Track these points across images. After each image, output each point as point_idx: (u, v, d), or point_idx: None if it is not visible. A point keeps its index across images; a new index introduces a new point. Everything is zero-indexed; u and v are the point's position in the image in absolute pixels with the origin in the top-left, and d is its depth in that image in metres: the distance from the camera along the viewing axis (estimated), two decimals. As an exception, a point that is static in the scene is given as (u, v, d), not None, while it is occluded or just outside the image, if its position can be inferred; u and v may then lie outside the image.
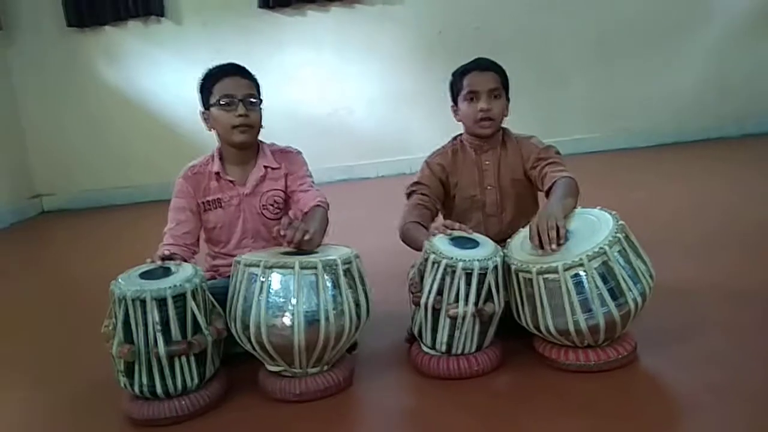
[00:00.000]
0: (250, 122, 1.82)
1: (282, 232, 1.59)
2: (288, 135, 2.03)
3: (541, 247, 1.57)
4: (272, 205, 1.91)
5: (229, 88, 1.82)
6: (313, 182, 1.93)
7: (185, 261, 1.73)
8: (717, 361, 1.58)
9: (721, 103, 4.91)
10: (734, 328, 1.76)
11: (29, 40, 4.92)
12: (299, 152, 1.97)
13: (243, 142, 1.85)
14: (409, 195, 1.95)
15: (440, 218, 1.96)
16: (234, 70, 1.85)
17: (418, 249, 1.75)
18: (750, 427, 1.31)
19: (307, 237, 1.59)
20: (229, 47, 4.64)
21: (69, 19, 4.83)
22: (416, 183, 1.95)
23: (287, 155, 1.95)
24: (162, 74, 4.93)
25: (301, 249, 1.61)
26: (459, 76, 1.94)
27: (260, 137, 1.93)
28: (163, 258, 1.65)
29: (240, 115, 1.80)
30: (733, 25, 4.85)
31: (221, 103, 1.82)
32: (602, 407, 1.43)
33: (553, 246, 1.55)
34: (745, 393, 1.43)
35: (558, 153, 1.90)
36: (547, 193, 1.80)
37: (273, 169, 1.91)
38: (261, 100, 1.88)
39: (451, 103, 1.99)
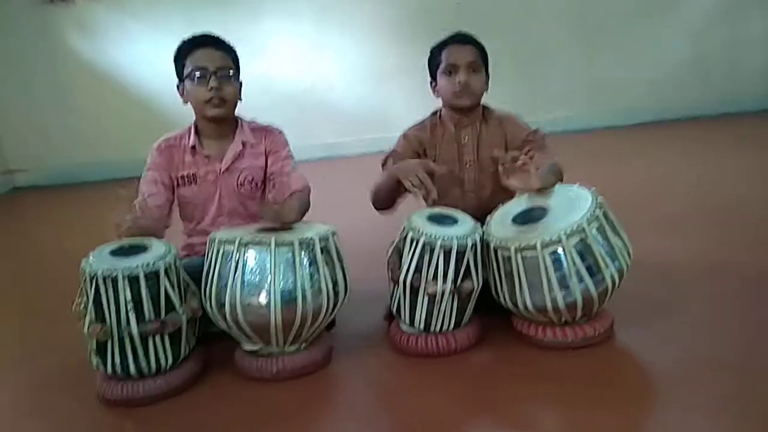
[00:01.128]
0: (223, 95, 1.76)
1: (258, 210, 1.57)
2: (264, 110, 1.98)
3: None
4: (249, 183, 1.87)
5: (202, 60, 1.76)
6: (295, 164, 1.89)
7: (155, 234, 1.65)
8: (694, 335, 1.59)
9: (702, 82, 4.93)
10: (710, 302, 1.78)
11: (1, 13, 4.75)
12: (281, 131, 1.92)
13: (216, 116, 1.79)
14: (383, 164, 1.93)
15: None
16: (207, 41, 1.79)
17: (387, 195, 1.78)
18: (729, 399, 1.33)
19: (289, 203, 1.56)
20: (204, 19, 4.51)
21: (40, -9, 4.67)
22: (392, 153, 1.93)
23: (268, 133, 1.90)
24: (135, 47, 4.80)
25: (283, 222, 1.58)
26: (437, 50, 1.91)
27: (238, 112, 1.88)
28: (130, 232, 1.58)
29: (211, 88, 1.75)
30: (714, 3, 4.86)
31: (193, 75, 1.76)
32: (580, 384, 1.44)
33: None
34: (723, 367, 1.44)
35: (544, 137, 1.90)
36: None
37: (252, 145, 1.87)
38: (238, 72, 1.83)
39: (429, 79, 1.95)
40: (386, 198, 1.82)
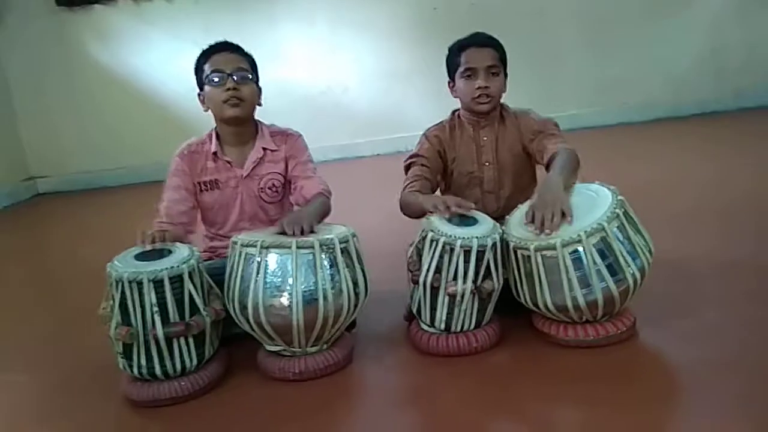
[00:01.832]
0: (240, 95, 1.79)
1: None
2: (281, 113, 2.00)
3: (542, 230, 1.55)
4: (270, 189, 1.89)
5: (219, 64, 1.79)
6: (315, 168, 1.90)
7: (180, 240, 1.70)
8: (713, 335, 1.58)
9: (714, 78, 4.86)
10: (727, 301, 1.77)
11: (19, 20, 4.84)
12: (300, 135, 1.93)
13: (234, 117, 1.81)
14: (407, 168, 1.93)
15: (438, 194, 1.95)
16: (224, 46, 1.83)
17: (417, 214, 1.75)
18: (747, 401, 1.32)
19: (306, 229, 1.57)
20: (220, 25, 4.56)
21: (58, -2, 4.74)
22: (415, 155, 1.93)
23: (288, 138, 1.91)
24: (153, 53, 4.87)
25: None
26: (456, 51, 1.90)
27: (258, 118, 1.90)
28: (154, 239, 1.62)
29: (228, 89, 1.77)
30: (726, 0, 4.80)
31: (211, 79, 1.79)
32: (600, 382, 1.43)
33: (554, 228, 1.53)
34: (741, 367, 1.43)
35: (556, 125, 1.88)
36: (547, 167, 1.78)
37: (272, 151, 1.89)
38: (256, 77, 1.85)
39: (447, 80, 1.95)
40: (416, 214, 1.81)
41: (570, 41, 4.90)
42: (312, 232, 1.59)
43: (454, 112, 1.99)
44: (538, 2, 4.83)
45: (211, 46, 1.83)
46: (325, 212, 1.78)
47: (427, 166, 1.90)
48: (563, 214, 1.54)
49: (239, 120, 1.83)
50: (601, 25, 4.85)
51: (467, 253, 1.55)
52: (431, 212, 1.66)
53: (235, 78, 1.78)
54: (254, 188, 1.88)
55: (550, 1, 4.83)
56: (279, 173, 1.90)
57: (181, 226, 1.80)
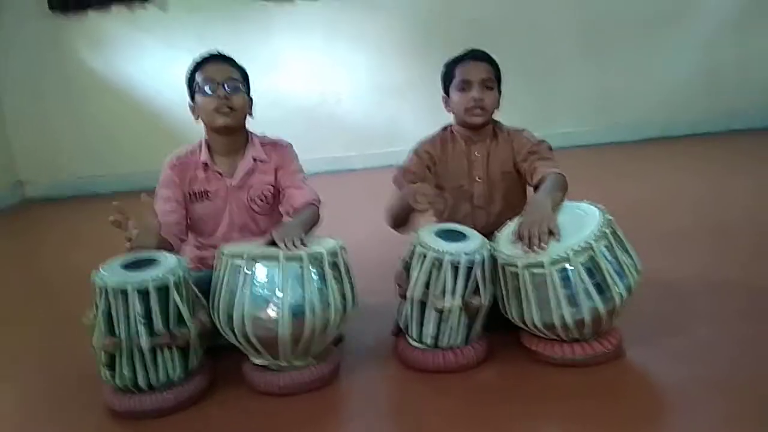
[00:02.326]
0: (231, 104, 1.79)
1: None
2: (274, 125, 2.00)
3: (531, 248, 1.55)
4: (260, 199, 1.89)
5: (210, 73, 1.80)
6: (304, 177, 1.90)
7: (172, 249, 1.70)
8: (703, 354, 1.59)
9: (710, 97, 4.89)
10: (718, 320, 1.78)
11: (10, 24, 4.83)
12: (289, 145, 1.94)
13: (225, 126, 1.80)
14: (395, 181, 1.92)
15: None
16: (215, 57, 1.84)
17: (402, 214, 1.78)
18: (736, 420, 1.32)
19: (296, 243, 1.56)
20: (215, 34, 4.56)
21: (51, 3, 4.74)
22: (405, 172, 1.92)
23: (277, 148, 1.91)
24: (147, 61, 4.86)
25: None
26: (451, 65, 1.93)
27: (249, 128, 1.90)
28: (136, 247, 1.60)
29: (220, 97, 1.77)
30: (723, 17, 4.82)
31: (203, 88, 1.79)
32: (588, 401, 1.43)
33: (543, 246, 1.54)
34: (730, 386, 1.43)
35: (550, 149, 1.90)
36: (536, 188, 1.80)
37: (262, 162, 1.88)
38: (247, 87, 1.86)
39: (442, 94, 1.97)
40: (404, 218, 1.81)
41: (564, 60, 4.93)
42: (303, 244, 1.58)
43: (445, 127, 1.99)
44: (532, 19, 4.86)
45: (202, 57, 1.84)
46: (314, 221, 1.77)
47: (414, 183, 1.90)
48: (551, 233, 1.55)
49: (230, 129, 1.83)
50: (596, 44, 4.89)
51: (456, 268, 1.55)
52: (414, 209, 1.67)
53: (226, 87, 1.78)
54: (244, 199, 1.88)
55: (545, 18, 4.87)
56: (269, 184, 1.89)
57: (173, 236, 1.79)
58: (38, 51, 4.86)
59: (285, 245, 1.54)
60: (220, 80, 1.78)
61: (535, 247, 1.53)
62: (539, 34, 4.90)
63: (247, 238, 1.86)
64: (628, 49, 4.89)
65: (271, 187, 1.90)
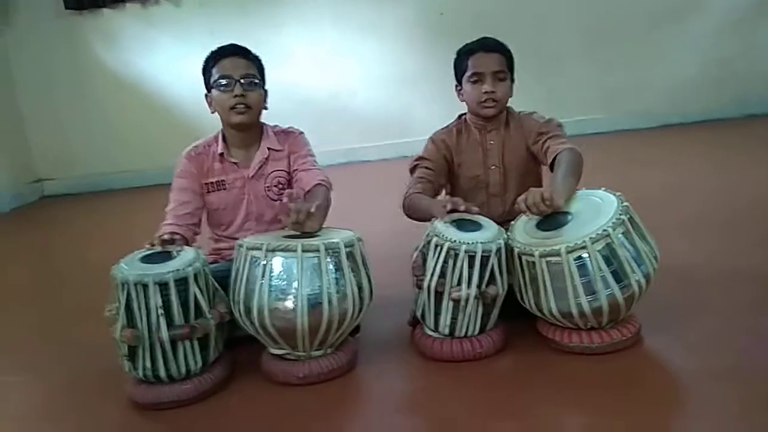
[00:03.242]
0: (247, 102, 1.80)
1: (280, 217, 1.58)
2: (287, 117, 2.00)
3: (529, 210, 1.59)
4: (276, 186, 1.90)
5: (227, 69, 1.80)
6: (315, 161, 1.92)
7: (187, 242, 1.73)
8: (719, 343, 1.57)
9: (717, 86, 4.82)
10: (734, 309, 1.76)
11: (27, 23, 4.89)
12: (301, 132, 1.96)
13: (240, 123, 1.82)
14: (412, 170, 1.94)
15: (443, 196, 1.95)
16: (232, 51, 1.83)
17: (423, 218, 1.75)
18: (750, 410, 1.31)
19: (312, 210, 1.57)
20: (227, 28, 4.59)
21: (67, 1, 4.78)
22: (420, 158, 1.94)
23: (290, 136, 1.93)
24: (160, 56, 4.90)
25: (304, 231, 1.60)
26: (464, 56, 1.91)
27: (263, 119, 1.91)
28: (164, 241, 1.63)
29: (236, 95, 1.78)
30: (730, 8, 4.77)
31: (219, 83, 1.80)
32: (605, 389, 1.43)
33: (543, 208, 1.57)
34: (745, 376, 1.42)
35: (560, 125, 1.89)
36: (551, 167, 1.79)
37: (277, 151, 1.90)
38: (263, 81, 1.87)
39: (455, 83, 1.96)
40: (422, 218, 1.81)
41: (574, 49, 4.88)
42: (317, 234, 1.58)
43: (460, 116, 1.99)
44: (542, 10, 4.82)
45: (219, 48, 1.84)
46: (327, 204, 1.77)
47: (431, 168, 1.91)
48: (544, 200, 1.56)
49: (246, 126, 1.85)
50: (605, 33, 4.84)
51: (471, 258, 1.55)
52: (436, 217, 1.66)
53: (242, 83, 1.79)
54: (261, 188, 1.89)
55: (554, 8, 4.83)
56: (284, 170, 1.91)
57: (188, 227, 1.81)
58: (54, 49, 4.92)
59: (298, 218, 1.55)
60: (237, 76, 1.79)
61: (533, 210, 1.57)
62: (547, 23, 4.84)
63: (263, 227, 1.88)
64: (638, 38, 4.83)
65: (286, 173, 1.91)
